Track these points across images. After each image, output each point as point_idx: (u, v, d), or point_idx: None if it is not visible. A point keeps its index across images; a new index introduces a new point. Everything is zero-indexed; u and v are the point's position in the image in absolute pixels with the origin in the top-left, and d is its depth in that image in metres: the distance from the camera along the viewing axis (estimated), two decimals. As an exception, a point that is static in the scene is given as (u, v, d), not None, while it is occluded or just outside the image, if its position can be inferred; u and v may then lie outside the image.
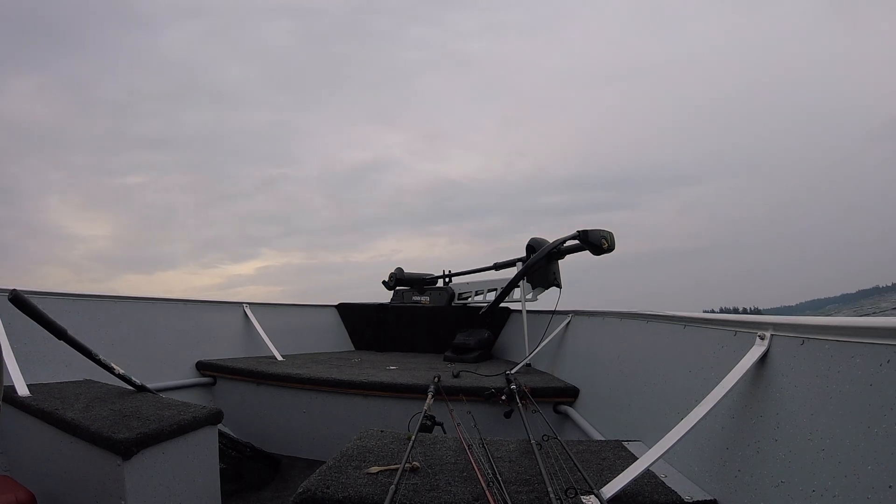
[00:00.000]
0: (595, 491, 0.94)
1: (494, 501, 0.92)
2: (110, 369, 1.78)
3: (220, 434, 1.67)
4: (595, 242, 2.39)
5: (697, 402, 1.03)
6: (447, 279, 4.23)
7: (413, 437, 1.32)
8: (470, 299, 3.92)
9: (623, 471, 1.02)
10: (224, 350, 2.91)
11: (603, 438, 1.61)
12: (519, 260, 3.28)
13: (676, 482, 1.07)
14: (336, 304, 4.13)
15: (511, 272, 3.31)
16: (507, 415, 1.86)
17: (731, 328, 1.15)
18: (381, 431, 1.46)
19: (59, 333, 1.68)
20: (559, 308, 2.74)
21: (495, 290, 3.61)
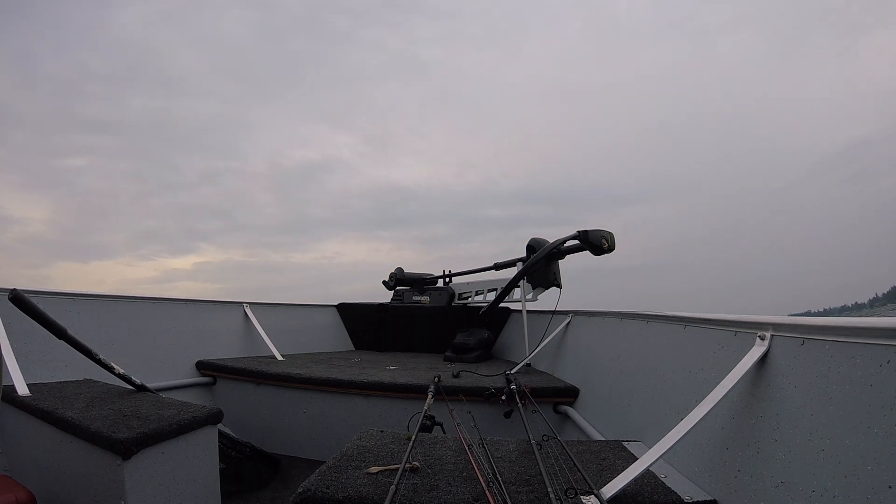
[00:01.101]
0: (595, 491, 0.94)
1: (494, 501, 0.92)
2: (110, 369, 1.78)
3: (220, 434, 1.67)
4: (595, 243, 2.39)
5: (697, 402, 1.03)
6: (447, 279, 4.23)
7: (413, 437, 1.32)
8: (470, 299, 3.92)
9: (623, 471, 1.02)
10: (224, 350, 2.91)
11: (603, 438, 1.61)
12: (519, 260, 3.28)
13: (676, 482, 1.07)
14: (336, 304, 4.13)
15: (511, 272, 3.31)
16: (507, 415, 1.86)
17: (731, 328, 1.15)
18: (381, 431, 1.45)
19: (59, 333, 1.68)
20: (559, 308, 2.74)
21: (495, 290, 3.61)
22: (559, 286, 3.00)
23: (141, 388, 1.81)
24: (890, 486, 0.64)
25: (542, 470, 1.03)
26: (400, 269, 4.20)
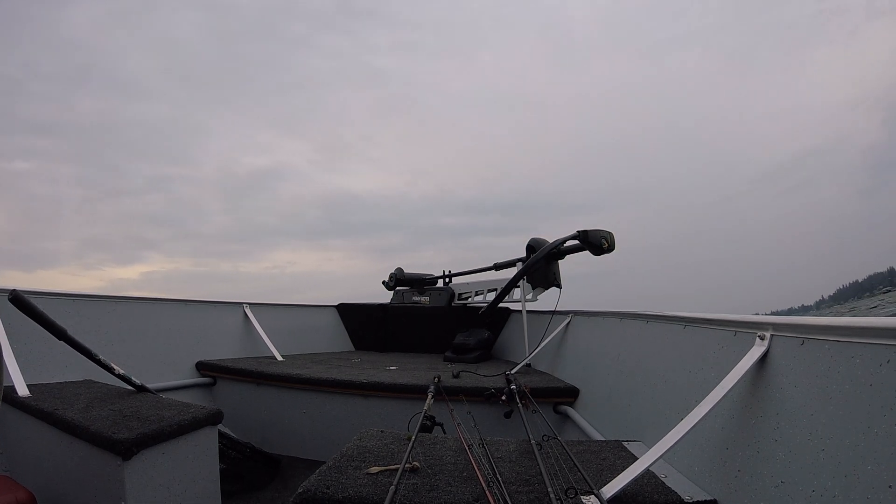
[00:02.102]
0: (595, 491, 0.94)
1: (494, 501, 0.92)
2: (110, 369, 1.78)
3: (220, 434, 1.67)
4: (595, 243, 2.39)
5: (697, 402, 1.03)
6: (447, 279, 4.23)
7: (413, 437, 1.32)
8: (470, 299, 3.92)
9: (623, 471, 1.02)
10: (224, 350, 2.91)
11: (603, 438, 1.61)
12: (519, 260, 3.28)
13: (676, 482, 1.07)
14: (336, 304, 4.13)
15: (511, 272, 3.31)
16: (508, 415, 1.86)
17: (731, 328, 1.15)
18: (381, 431, 1.45)
19: (59, 333, 1.68)
20: (559, 308, 2.74)
21: (495, 290, 3.61)
22: (559, 286, 3.00)
23: (141, 389, 1.81)
24: (890, 486, 0.64)
25: (543, 470, 1.03)
26: (400, 270, 4.20)
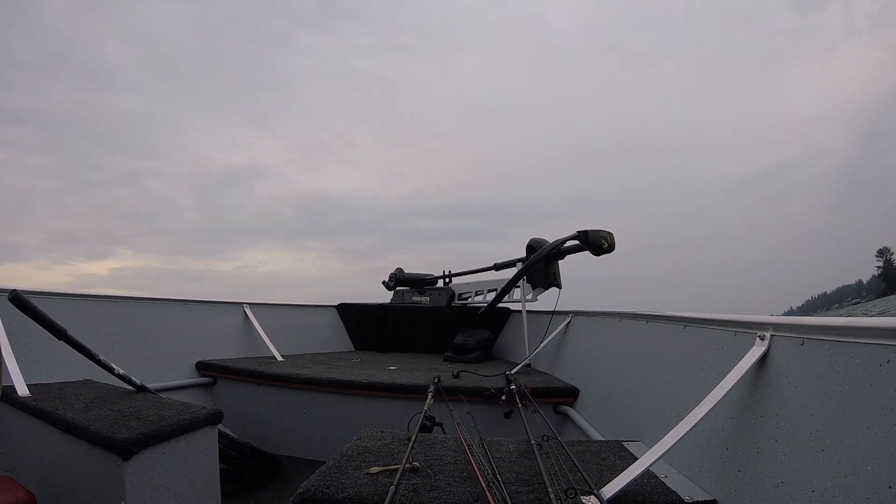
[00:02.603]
0: (595, 491, 0.94)
1: (494, 502, 0.92)
2: (110, 369, 1.78)
3: (220, 434, 1.67)
4: (595, 243, 2.39)
5: (697, 402, 1.03)
6: (447, 279, 4.23)
7: (413, 437, 1.32)
8: (470, 299, 3.92)
9: (623, 471, 1.02)
10: (224, 350, 2.91)
11: (603, 439, 1.61)
12: (519, 260, 3.28)
13: (676, 482, 1.07)
14: (336, 304, 4.13)
15: (511, 272, 3.31)
16: (507, 415, 1.86)
17: (731, 328, 1.15)
18: (381, 432, 1.45)
19: (59, 333, 1.68)
20: (559, 308, 2.74)
21: (495, 290, 3.62)
22: (559, 286, 3.00)
23: (141, 389, 1.81)
24: (890, 486, 0.64)
25: (542, 470, 1.03)
26: (400, 270, 4.20)
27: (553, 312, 2.74)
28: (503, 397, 1.84)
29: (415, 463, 1.16)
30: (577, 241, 2.52)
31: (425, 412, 1.63)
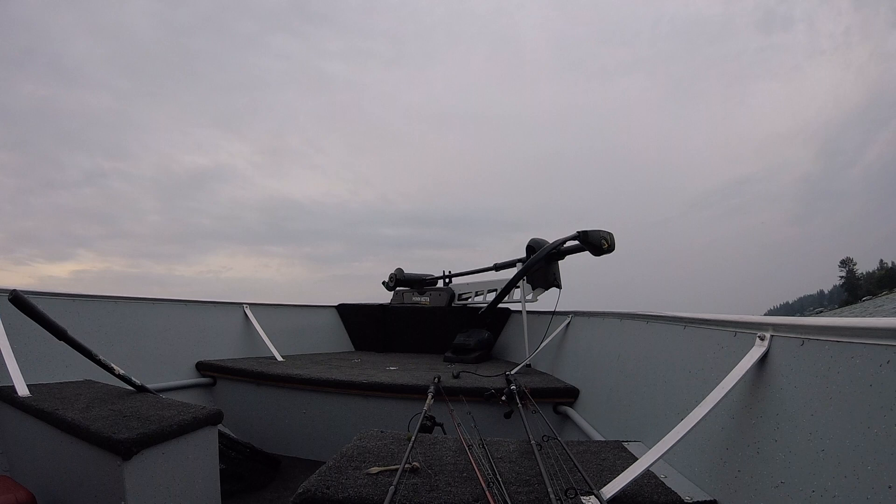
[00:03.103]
0: (595, 491, 0.94)
1: (494, 502, 0.92)
2: (110, 369, 1.78)
3: (220, 434, 1.67)
4: (595, 243, 2.39)
5: (697, 402, 1.03)
6: (447, 279, 4.23)
7: (413, 437, 1.32)
8: (470, 300, 3.92)
9: (623, 471, 1.02)
10: (224, 350, 2.91)
11: (603, 439, 1.61)
12: (519, 261, 3.28)
13: (676, 483, 1.07)
14: (336, 304, 4.13)
15: (511, 273, 3.31)
16: (508, 415, 1.86)
17: (731, 329, 1.15)
18: (381, 432, 1.45)
19: (59, 333, 1.68)
20: (559, 309, 2.74)
21: (495, 290, 3.62)
22: (559, 287, 3.00)
23: (141, 389, 1.81)
24: (890, 486, 0.64)
25: (543, 470, 1.03)
26: (400, 270, 4.20)
27: (553, 313, 2.74)
28: (503, 397, 1.84)
29: (415, 463, 1.16)
30: (577, 242, 2.52)
31: (425, 412, 1.63)
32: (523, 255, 3.16)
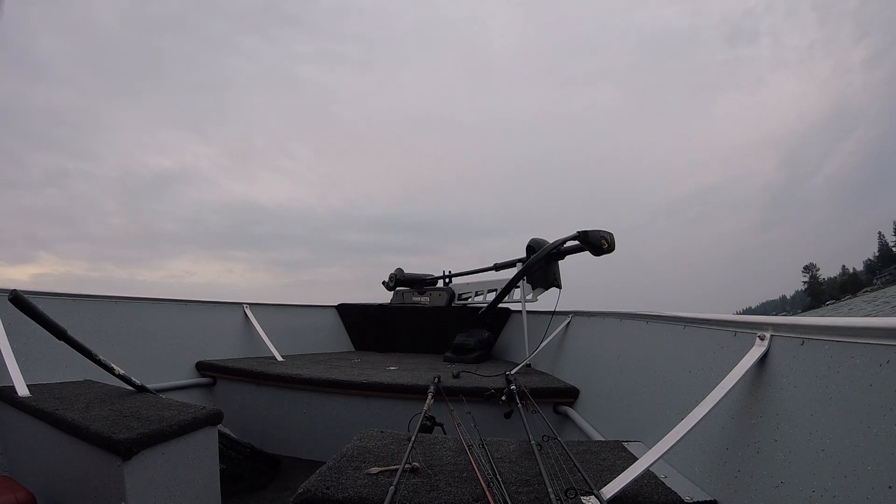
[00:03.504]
0: (595, 491, 0.94)
1: (494, 502, 0.92)
2: (110, 370, 1.78)
3: (220, 434, 1.67)
4: (595, 243, 2.39)
5: (697, 402, 1.03)
6: (447, 280, 4.23)
7: (413, 437, 1.32)
8: (470, 300, 3.92)
9: (623, 471, 1.02)
10: (224, 350, 2.92)
11: (603, 439, 1.61)
12: (519, 261, 3.28)
13: (676, 483, 1.07)
14: (336, 304, 4.13)
15: (511, 273, 3.31)
16: (508, 415, 1.86)
17: (731, 329, 1.15)
18: (381, 432, 1.45)
19: (59, 333, 1.68)
20: (559, 308, 2.74)
21: (495, 290, 3.62)
22: (559, 287, 3.00)
23: (141, 389, 1.81)
24: (890, 487, 0.64)
25: (543, 470, 1.03)
26: (400, 270, 4.21)
27: (553, 313, 2.74)
28: (503, 397, 1.84)
29: (415, 463, 1.16)
30: (577, 242, 2.52)
31: (425, 412, 1.63)
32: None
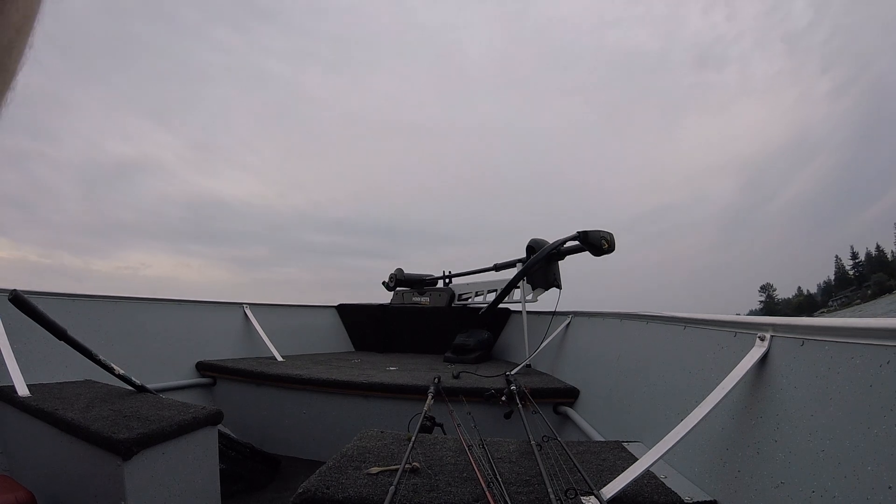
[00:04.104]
0: (595, 492, 0.94)
1: (494, 502, 0.92)
2: (110, 370, 1.78)
3: (220, 434, 1.67)
4: (595, 243, 2.39)
5: (697, 402, 1.03)
6: (447, 280, 4.23)
7: (413, 437, 1.32)
8: (470, 300, 3.92)
9: (623, 471, 1.02)
10: (224, 350, 2.91)
11: (603, 439, 1.61)
12: (519, 261, 3.28)
13: (676, 483, 1.07)
14: (336, 304, 4.13)
15: (511, 273, 3.31)
16: (508, 415, 1.86)
17: (731, 329, 1.15)
18: (381, 432, 1.45)
19: (59, 333, 1.68)
20: (559, 309, 2.74)
21: (495, 290, 3.62)
22: (559, 287, 3.00)
23: (141, 389, 1.81)
24: (890, 487, 0.64)
25: (543, 470, 1.03)
26: (400, 270, 4.20)
27: (553, 313, 2.74)
28: (503, 398, 1.84)
29: (415, 463, 1.16)
30: (577, 242, 2.52)
31: (425, 412, 1.63)
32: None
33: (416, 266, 4.38)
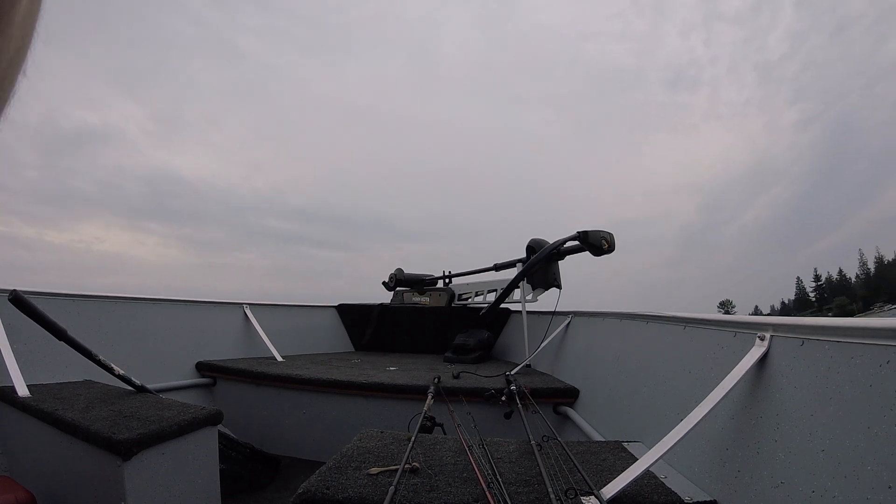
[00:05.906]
0: (595, 492, 0.94)
1: (494, 502, 0.92)
2: (110, 370, 1.78)
3: (220, 435, 1.67)
4: (595, 243, 2.39)
5: (697, 402, 1.03)
6: (447, 280, 4.23)
7: (413, 437, 1.32)
8: (470, 300, 3.92)
9: (623, 471, 1.02)
10: (224, 351, 2.91)
11: (603, 439, 1.61)
12: (519, 261, 3.28)
13: (676, 483, 1.07)
14: (336, 304, 4.13)
15: (511, 273, 3.31)
16: (508, 415, 1.86)
17: (731, 329, 1.15)
18: (381, 432, 1.45)
19: (59, 333, 1.68)
20: (559, 309, 2.74)
21: (495, 290, 3.62)
22: (559, 287, 3.00)
23: (141, 389, 1.81)
24: (890, 487, 0.64)
25: (543, 471, 1.03)
26: (400, 270, 4.20)
27: (553, 313, 2.74)
28: (503, 398, 1.84)
29: (415, 463, 1.16)
30: (577, 242, 2.52)
31: (425, 413, 1.63)
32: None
33: (416, 266, 4.38)
